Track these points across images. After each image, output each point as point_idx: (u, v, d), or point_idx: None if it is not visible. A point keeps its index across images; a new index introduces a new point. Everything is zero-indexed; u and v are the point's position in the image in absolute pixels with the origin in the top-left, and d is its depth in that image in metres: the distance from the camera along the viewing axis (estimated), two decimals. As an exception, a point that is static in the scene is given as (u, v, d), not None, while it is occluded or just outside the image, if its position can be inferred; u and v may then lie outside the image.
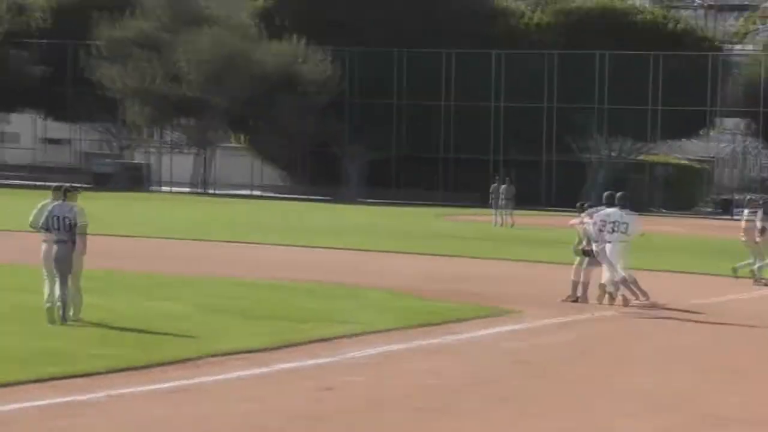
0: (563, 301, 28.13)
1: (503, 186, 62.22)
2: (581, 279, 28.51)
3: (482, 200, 72.02)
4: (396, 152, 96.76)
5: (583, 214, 29.16)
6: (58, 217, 22.13)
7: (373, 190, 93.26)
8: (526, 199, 68.91)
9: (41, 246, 22.35)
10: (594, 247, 28.14)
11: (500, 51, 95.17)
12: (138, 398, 15.90)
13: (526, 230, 55.08)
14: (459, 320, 25.05)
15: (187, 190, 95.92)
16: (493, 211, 62.94)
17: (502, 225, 60.32)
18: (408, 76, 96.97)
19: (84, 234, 22.28)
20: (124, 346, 19.55)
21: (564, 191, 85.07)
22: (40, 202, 23.02)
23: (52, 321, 21.68)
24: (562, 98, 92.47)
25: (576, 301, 28.20)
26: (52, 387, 16.12)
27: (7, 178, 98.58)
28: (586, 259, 28.65)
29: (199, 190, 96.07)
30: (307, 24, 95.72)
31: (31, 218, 22.81)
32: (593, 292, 28.48)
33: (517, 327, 24.72)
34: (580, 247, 29.12)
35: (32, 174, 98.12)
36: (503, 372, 19.93)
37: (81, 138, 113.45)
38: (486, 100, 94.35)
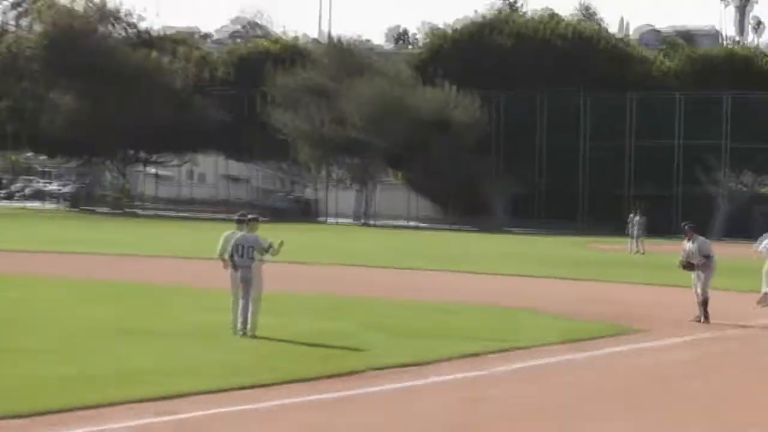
0: (692, 321, 28.09)
1: (636, 217, 62.02)
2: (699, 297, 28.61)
3: (616, 230, 71.78)
4: (538, 186, 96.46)
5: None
6: (242, 246, 23.04)
7: (517, 221, 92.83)
8: (657, 228, 68.29)
9: (229, 271, 23.13)
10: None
11: (634, 93, 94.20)
12: (305, 407, 16.31)
13: (656, 257, 54.33)
14: (596, 338, 25.27)
15: (351, 221, 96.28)
16: (628, 239, 62.70)
17: (636, 252, 59.92)
18: (549, 117, 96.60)
19: (263, 260, 23.18)
20: (296, 360, 20.04)
21: (693, 221, 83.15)
22: (224, 233, 23.98)
23: (235, 335, 22.46)
24: (690, 136, 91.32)
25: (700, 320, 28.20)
26: (236, 396, 16.64)
27: (194, 211, 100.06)
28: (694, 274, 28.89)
29: (361, 222, 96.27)
30: (457, 72, 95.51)
31: (218, 248, 23.71)
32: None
33: (648, 344, 24.75)
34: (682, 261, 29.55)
35: (214, 208, 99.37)
36: (636, 384, 20.00)
37: (257, 176, 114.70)
38: (621, 138, 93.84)
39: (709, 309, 28.24)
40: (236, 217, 24.59)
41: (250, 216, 24.52)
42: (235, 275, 23.13)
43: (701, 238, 29.90)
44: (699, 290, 28.54)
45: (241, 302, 22.99)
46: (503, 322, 27.45)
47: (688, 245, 29.52)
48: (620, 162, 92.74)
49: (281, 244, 23.33)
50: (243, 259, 23.05)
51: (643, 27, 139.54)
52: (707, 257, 28.89)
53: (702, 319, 28.19)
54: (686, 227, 30.82)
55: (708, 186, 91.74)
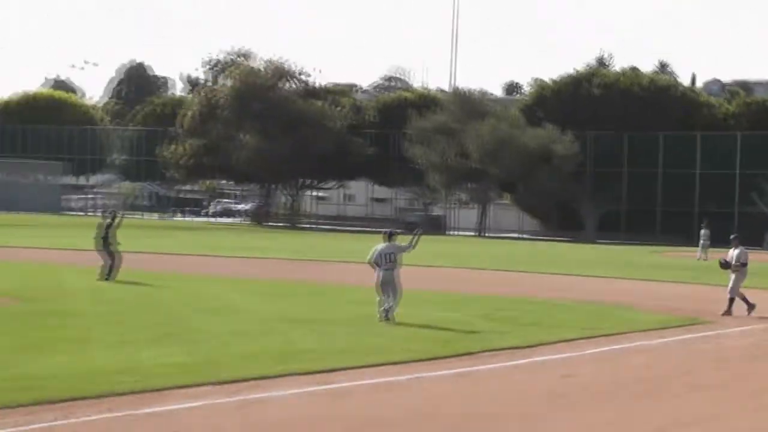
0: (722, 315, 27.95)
1: (703, 230, 61.40)
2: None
3: (685, 241, 71.37)
4: (621, 206, 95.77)
5: None
6: (386, 254, 23.69)
7: (604, 234, 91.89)
8: (719, 240, 67.27)
9: (375, 273, 23.67)
10: None
11: (700, 132, 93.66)
12: (432, 379, 16.59)
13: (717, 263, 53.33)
14: (668, 327, 25.18)
15: (471, 233, 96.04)
16: (697, 248, 61.95)
17: (704, 259, 59.02)
18: (630, 150, 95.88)
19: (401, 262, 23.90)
20: (425, 343, 20.27)
21: (749, 235, 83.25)
22: (375, 246, 24.45)
23: (380, 323, 22.99)
24: (746, 167, 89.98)
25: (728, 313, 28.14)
26: (378, 371, 16.94)
27: (348, 226, 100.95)
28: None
29: (479, 234, 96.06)
30: (557, 115, 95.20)
31: (369, 256, 24.21)
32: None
33: (711, 333, 24.68)
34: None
35: (364, 223, 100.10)
36: (699, 366, 20.08)
37: (398, 197, 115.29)
38: (690, 167, 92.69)
39: (734, 306, 28.01)
40: (387, 232, 25.28)
41: (392, 232, 25.25)
42: (380, 276, 23.65)
43: (742, 248, 29.55)
44: (729, 288, 28.46)
45: (384, 297, 23.57)
46: (594, 314, 27.48)
47: (731, 252, 29.41)
48: (690, 186, 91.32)
49: (419, 236, 24.39)
50: (387, 264, 23.79)
51: (710, 79, 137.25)
52: (743, 264, 28.79)
53: (725, 312, 28.01)
54: (732, 237, 30.55)
55: (761, 206, 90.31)
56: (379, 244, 24.37)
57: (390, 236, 24.66)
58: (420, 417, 13.54)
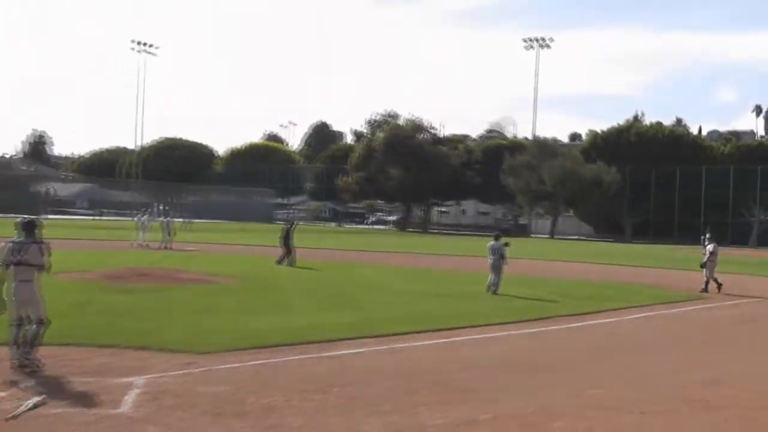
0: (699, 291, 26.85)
1: (707, 234, 59.09)
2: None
3: (695, 242, 69.27)
4: (650, 217, 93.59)
5: None
6: (494, 249, 24.18)
7: (637, 237, 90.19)
8: (719, 241, 65.05)
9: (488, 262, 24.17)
10: None
11: (705, 166, 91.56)
12: (518, 336, 16.44)
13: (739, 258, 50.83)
14: (680, 301, 24.44)
15: (546, 236, 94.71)
16: (701, 247, 59.71)
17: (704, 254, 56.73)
18: (656, 179, 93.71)
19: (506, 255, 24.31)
20: (513, 310, 20.06)
21: (739, 237, 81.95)
22: (488, 243, 24.87)
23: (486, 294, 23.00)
24: (738, 189, 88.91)
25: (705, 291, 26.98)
26: (481, 329, 16.81)
27: (462, 231, 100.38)
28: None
29: (551, 237, 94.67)
30: (606, 155, 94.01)
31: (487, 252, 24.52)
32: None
33: (708, 305, 23.85)
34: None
35: (473, 229, 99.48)
36: (700, 328, 19.37)
37: (496, 211, 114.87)
38: (698, 191, 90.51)
39: (710, 287, 27.14)
40: (495, 234, 25.76)
41: (499, 233, 25.79)
42: (490, 263, 23.97)
43: (714, 244, 28.53)
44: (705, 274, 27.53)
45: (491, 277, 23.69)
46: (631, 291, 26.76)
47: (708, 246, 28.38)
48: (697, 204, 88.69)
49: (507, 246, 24.52)
50: (493, 257, 23.98)
51: (711, 129, 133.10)
52: (713, 254, 27.72)
53: (702, 290, 26.86)
54: (708, 236, 29.25)
55: (747, 218, 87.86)
56: (490, 242, 24.64)
57: (497, 237, 24.98)
58: (505, 362, 13.39)
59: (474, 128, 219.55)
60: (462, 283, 27.02)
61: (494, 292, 23.22)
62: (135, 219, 44.78)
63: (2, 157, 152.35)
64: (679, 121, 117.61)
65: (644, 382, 12.01)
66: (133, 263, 29.09)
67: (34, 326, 10.97)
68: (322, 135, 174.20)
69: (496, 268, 23.83)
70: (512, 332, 16.66)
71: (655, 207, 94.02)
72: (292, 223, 35.93)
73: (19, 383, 10.12)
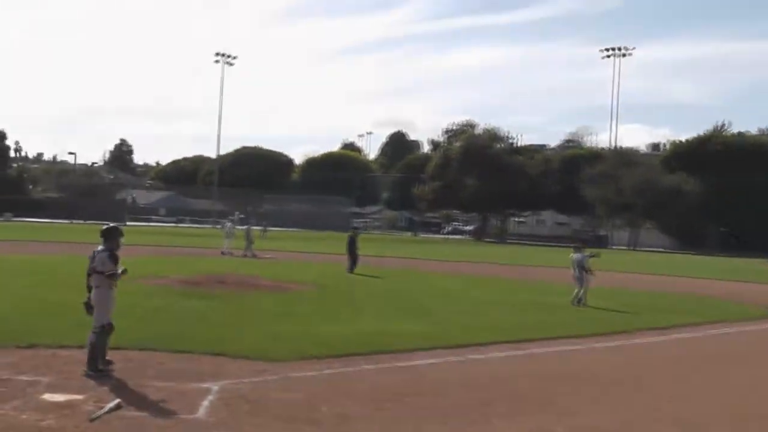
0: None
1: None
2: None
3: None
4: (734, 228, 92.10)
5: None
6: (576, 261, 23.93)
7: (722, 249, 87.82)
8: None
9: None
10: None
11: None
12: (591, 351, 16.09)
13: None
14: (756, 318, 23.47)
15: (624, 248, 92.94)
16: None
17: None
18: (737, 188, 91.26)
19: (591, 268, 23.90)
20: (591, 322, 19.71)
21: None
22: (570, 255, 24.62)
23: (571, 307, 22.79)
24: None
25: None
26: (561, 342, 16.51)
27: (539, 241, 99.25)
28: None
29: (631, 248, 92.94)
30: (686, 164, 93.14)
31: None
32: None
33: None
34: None
35: (550, 240, 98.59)
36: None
37: (573, 222, 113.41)
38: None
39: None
40: (575, 245, 25.32)
41: (579, 245, 25.28)
42: (573, 275, 23.93)
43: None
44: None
45: (576, 290, 23.56)
46: (713, 306, 25.99)
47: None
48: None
49: (593, 257, 24.25)
50: (576, 270, 23.83)
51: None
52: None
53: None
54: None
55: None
56: (572, 254, 24.42)
57: (578, 248, 24.66)
58: (584, 375, 13.13)
59: (551, 138, 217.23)
60: (540, 294, 26.69)
61: (580, 305, 22.99)
62: (220, 227, 45.52)
63: (91, 166, 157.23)
64: (763, 131, 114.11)
65: (727, 399, 11.66)
66: (210, 270, 29.59)
67: (90, 334, 11.17)
68: (398, 144, 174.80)
69: (580, 281, 23.63)
70: (592, 345, 16.39)
71: (740, 218, 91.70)
72: (356, 232, 36.20)
73: (96, 387, 10.35)
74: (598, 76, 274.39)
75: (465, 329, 17.21)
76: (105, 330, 11.13)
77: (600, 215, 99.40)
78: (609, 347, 16.35)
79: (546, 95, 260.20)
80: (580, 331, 17.84)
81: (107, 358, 11.28)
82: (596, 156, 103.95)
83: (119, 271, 11.21)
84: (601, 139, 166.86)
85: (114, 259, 11.14)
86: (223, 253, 42.38)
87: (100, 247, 11.27)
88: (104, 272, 11.08)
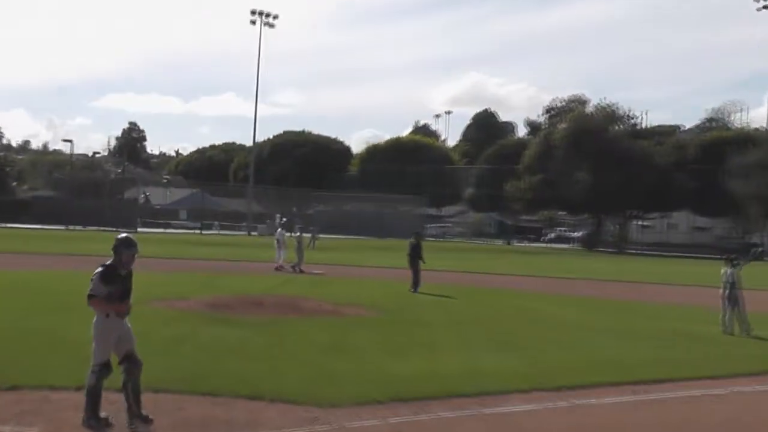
0: None
1: None
2: None
3: None
4: None
5: None
6: (727, 275, 23.99)
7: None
8: None
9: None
10: None
11: None
12: (739, 395, 15.74)
13: None
14: None
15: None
16: None
17: None
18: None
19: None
20: (741, 359, 19.49)
21: None
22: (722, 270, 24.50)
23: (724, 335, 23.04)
24: None
25: None
26: (695, 384, 16.20)
27: (671, 252, 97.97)
28: None
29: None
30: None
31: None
32: None
33: None
34: None
35: (685, 250, 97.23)
36: None
37: (717, 226, 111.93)
38: None
39: None
40: (726, 257, 25.12)
41: (735, 257, 25.09)
42: (721, 296, 23.97)
43: None
44: None
45: (721, 314, 23.80)
46: None
47: None
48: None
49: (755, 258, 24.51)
50: (727, 289, 23.92)
51: None
52: None
53: None
54: None
55: None
56: (723, 268, 24.38)
57: (731, 262, 24.50)
58: (728, 427, 12.91)
59: (687, 117, 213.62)
60: (672, 320, 26.33)
61: (734, 333, 22.97)
62: (277, 233, 46.17)
63: (92, 156, 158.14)
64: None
65: None
66: (244, 289, 29.86)
67: (89, 373, 11.12)
68: (486, 127, 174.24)
69: (732, 301, 23.46)
70: (740, 388, 16.07)
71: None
72: (419, 237, 35.98)
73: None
74: (752, 33, 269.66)
75: (571, 367, 17.08)
76: (104, 370, 11.05)
77: (753, 217, 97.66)
78: (763, 391, 16.03)
79: (680, 61, 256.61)
80: (725, 371, 17.62)
81: (143, 412, 11.26)
82: (748, 139, 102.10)
83: (106, 300, 10.90)
84: (754, 117, 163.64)
85: (107, 280, 10.94)
86: (277, 269, 42.93)
87: (108, 262, 11.29)
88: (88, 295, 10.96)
